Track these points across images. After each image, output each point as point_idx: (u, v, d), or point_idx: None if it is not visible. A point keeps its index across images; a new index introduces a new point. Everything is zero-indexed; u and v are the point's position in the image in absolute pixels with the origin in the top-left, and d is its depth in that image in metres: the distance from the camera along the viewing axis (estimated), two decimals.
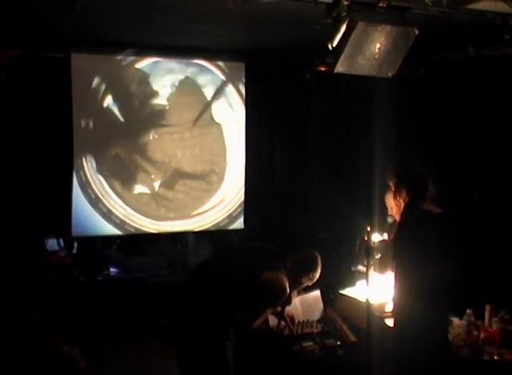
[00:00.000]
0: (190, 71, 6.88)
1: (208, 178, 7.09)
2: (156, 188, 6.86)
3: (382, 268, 3.98)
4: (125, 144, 6.70)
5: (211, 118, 7.04)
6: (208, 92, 6.99)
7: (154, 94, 6.78)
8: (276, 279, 3.61)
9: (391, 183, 3.89)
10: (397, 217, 3.90)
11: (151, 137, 6.79)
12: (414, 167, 3.92)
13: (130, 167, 6.75)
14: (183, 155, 6.93)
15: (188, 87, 6.90)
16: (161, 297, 5.99)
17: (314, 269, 3.90)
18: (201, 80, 6.94)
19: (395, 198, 3.86)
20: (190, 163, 6.98)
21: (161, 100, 6.82)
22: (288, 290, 3.65)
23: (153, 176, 6.83)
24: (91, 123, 6.54)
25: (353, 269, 4.66)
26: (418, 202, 3.77)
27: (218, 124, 7.09)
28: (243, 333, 3.81)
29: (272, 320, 4.13)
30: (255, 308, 3.69)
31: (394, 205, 3.92)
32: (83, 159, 6.50)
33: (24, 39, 5.73)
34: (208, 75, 6.97)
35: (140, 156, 6.76)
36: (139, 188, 6.80)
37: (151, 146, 6.80)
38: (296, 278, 3.83)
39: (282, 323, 4.17)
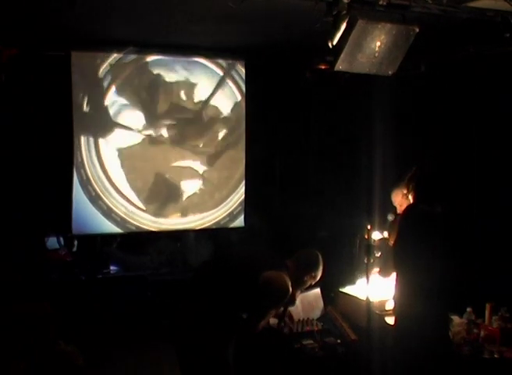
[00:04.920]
0: (190, 69, 6.87)
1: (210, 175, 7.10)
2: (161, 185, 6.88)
3: (385, 271, 3.99)
4: (126, 142, 6.70)
5: (212, 115, 7.04)
6: (209, 90, 6.98)
7: (155, 92, 6.77)
8: (278, 278, 3.58)
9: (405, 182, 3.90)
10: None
11: (151, 136, 6.79)
12: (430, 168, 3.90)
13: (133, 163, 6.75)
14: (184, 153, 6.95)
15: (189, 86, 6.89)
16: (161, 295, 6.01)
17: (315, 267, 3.86)
18: (202, 77, 6.93)
19: (405, 196, 3.87)
20: (193, 161, 6.99)
21: (161, 99, 6.81)
22: (290, 289, 3.62)
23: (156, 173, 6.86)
24: (92, 122, 6.53)
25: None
26: (422, 202, 3.77)
27: (219, 122, 7.08)
28: (247, 336, 3.80)
29: (273, 319, 4.12)
30: (258, 309, 3.66)
31: (404, 203, 3.93)
32: (84, 157, 6.50)
33: (24, 37, 5.71)
34: (209, 73, 6.96)
35: (142, 155, 6.77)
36: (144, 185, 6.82)
37: (151, 145, 6.80)
38: (299, 277, 3.79)
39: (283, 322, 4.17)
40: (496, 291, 4.55)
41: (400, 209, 4.21)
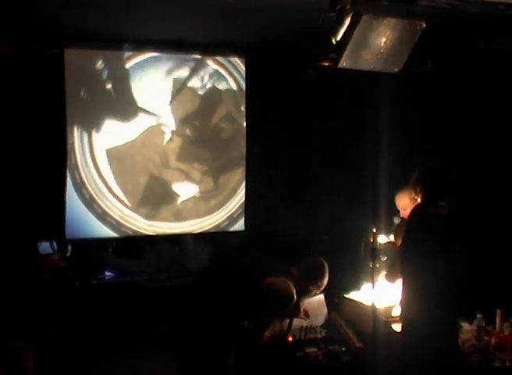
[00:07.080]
0: (189, 66, 6.81)
1: (209, 177, 7.03)
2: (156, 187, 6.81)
3: (392, 276, 3.95)
4: (121, 142, 6.62)
5: (211, 115, 6.98)
6: (208, 88, 6.92)
7: (152, 90, 6.69)
8: (281, 284, 3.55)
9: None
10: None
11: (148, 136, 6.71)
12: (433, 166, 3.83)
13: (131, 163, 6.68)
14: (183, 153, 6.88)
15: (188, 84, 6.84)
16: (159, 301, 5.93)
17: (321, 277, 3.83)
18: (201, 75, 6.88)
19: (413, 199, 3.80)
20: (191, 162, 6.92)
21: (159, 97, 6.73)
22: (295, 296, 3.57)
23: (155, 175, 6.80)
24: (86, 122, 6.44)
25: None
26: (429, 204, 3.70)
27: (218, 121, 7.02)
28: (250, 345, 3.76)
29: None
30: (262, 317, 3.63)
31: (408, 207, 3.88)
32: (78, 158, 6.41)
33: (16, 34, 5.66)
34: (208, 70, 6.91)
35: (141, 155, 6.70)
36: (139, 187, 6.73)
37: (148, 145, 6.72)
38: (304, 286, 3.75)
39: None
40: (507, 296, 4.48)
41: (403, 213, 4.22)
